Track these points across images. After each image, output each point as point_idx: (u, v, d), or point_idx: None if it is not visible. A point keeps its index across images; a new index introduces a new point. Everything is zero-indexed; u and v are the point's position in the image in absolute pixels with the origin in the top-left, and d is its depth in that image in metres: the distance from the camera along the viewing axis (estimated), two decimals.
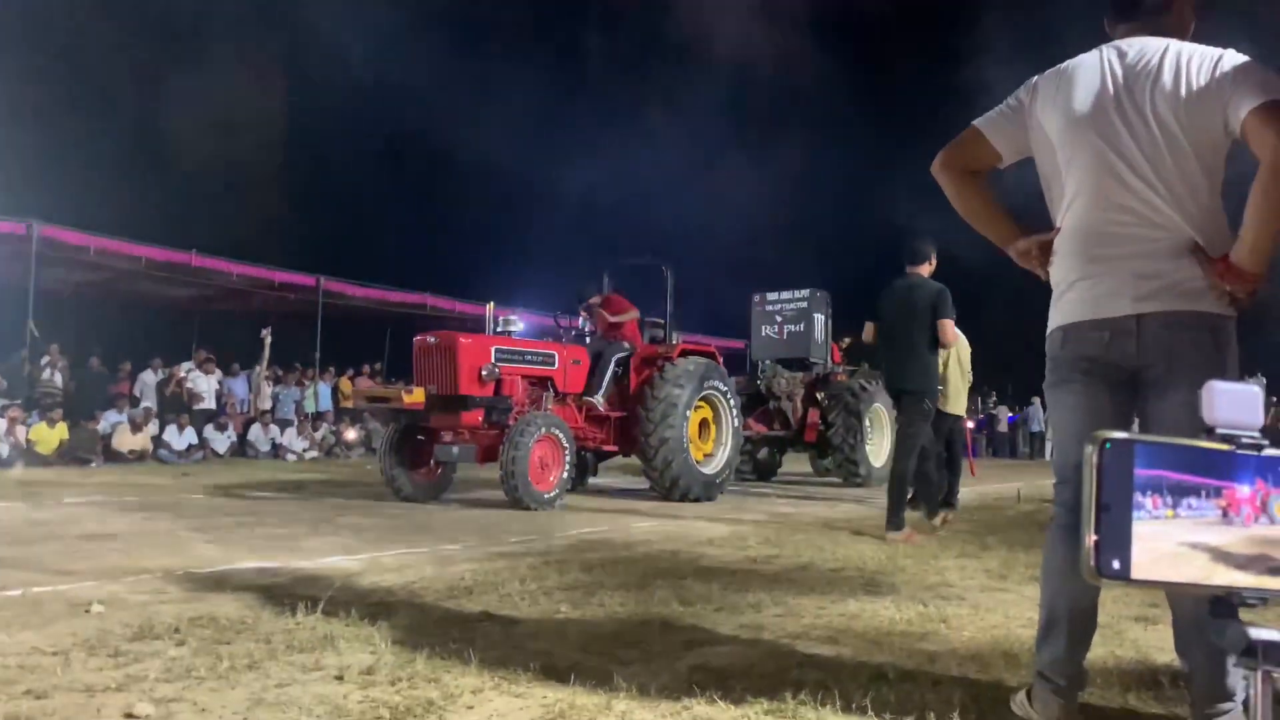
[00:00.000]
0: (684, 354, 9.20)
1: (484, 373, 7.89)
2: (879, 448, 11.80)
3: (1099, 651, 2.86)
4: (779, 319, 12.44)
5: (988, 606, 3.81)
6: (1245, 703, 2.08)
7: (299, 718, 2.26)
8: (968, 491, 9.53)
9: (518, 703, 2.41)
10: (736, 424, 9.47)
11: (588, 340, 9.36)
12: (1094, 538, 0.59)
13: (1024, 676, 2.59)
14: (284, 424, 16.08)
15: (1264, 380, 21.03)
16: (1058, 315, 2.29)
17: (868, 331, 7.06)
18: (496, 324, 8.74)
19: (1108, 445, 0.60)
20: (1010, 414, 26.93)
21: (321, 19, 26.39)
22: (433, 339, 8.10)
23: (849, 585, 4.27)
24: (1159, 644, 3.10)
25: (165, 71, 25.91)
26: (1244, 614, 0.63)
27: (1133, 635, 3.28)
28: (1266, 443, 0.62)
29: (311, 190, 29.87)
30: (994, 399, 26.56)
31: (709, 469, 9.07)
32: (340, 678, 2.60)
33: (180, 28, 27.93)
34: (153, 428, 14.17)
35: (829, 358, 12.44)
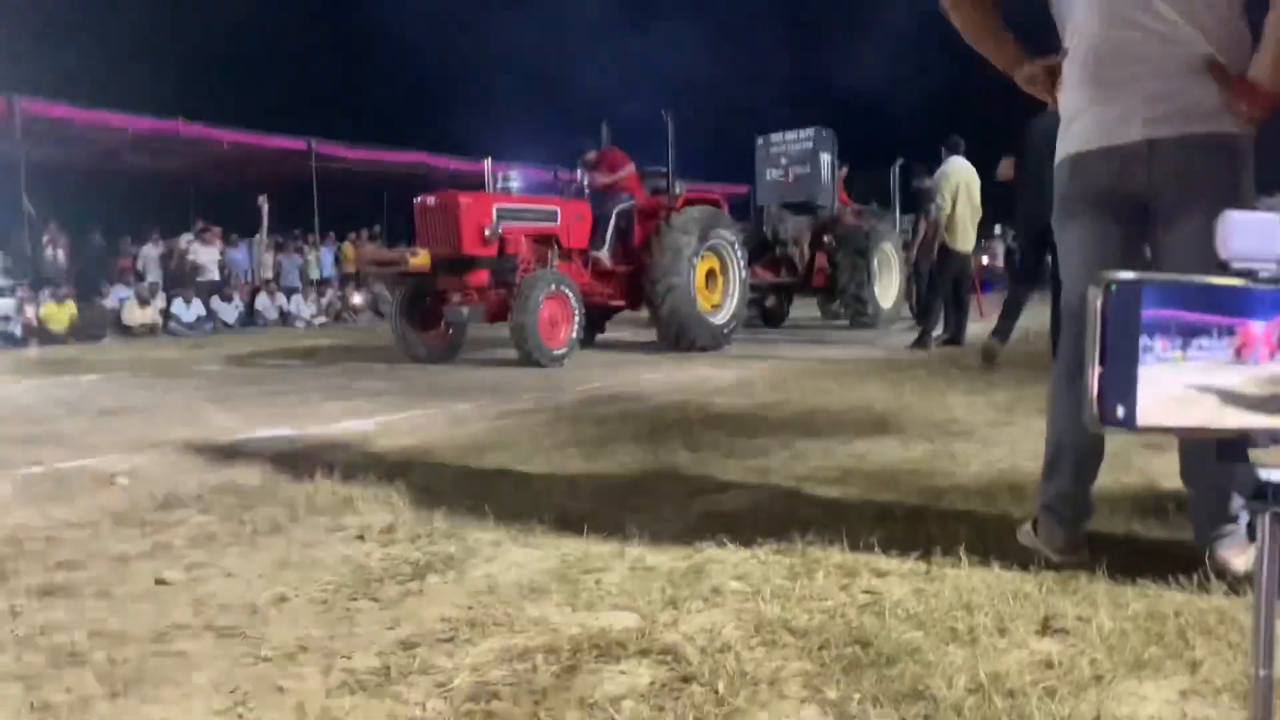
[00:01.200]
0: (688, 204, 9.07)
1: (487, 232, 7.81)
2: (887, 288, 11.78)
3: (1105, 480, 2.89)
4: (784, 161, 12.13)
5: (994, 441, 3.86)
6: (1249, 526, 2.12)
7: (323, 576, 2.34)
8: (975, 328, 9.54)
9: (535, 554, 2.48)
10: (744, 274, 9.43)
11: (589, 194, 9.19)
12: (1097, 385, 0.56)
13: (1029, 509, 2.64)
14: (290, 291, 16.10)
15: None
16: (1066, 144, 2.20)
17: (1005, 167, 6.84)
18: (496, 181, 8.57)
19: (1113, 288, 0.56)
20: None
21: None
22: (433, 200, 7.97)
23: (856, 426, 4.33)
24: (1166, 471, 3.14)
25: None
26: (1253, 455, 0.61)
27: (1140, 463, 3.33)
28: None
29: (298, 52, 28.85)
30: (1011, 234, 26.02)
31: (717, 319, 9.07)
32: (361, 537, 2.67)
33: None
34: (160, 301, 14.21)
35: (836, 199, 12.20)
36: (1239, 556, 2.09)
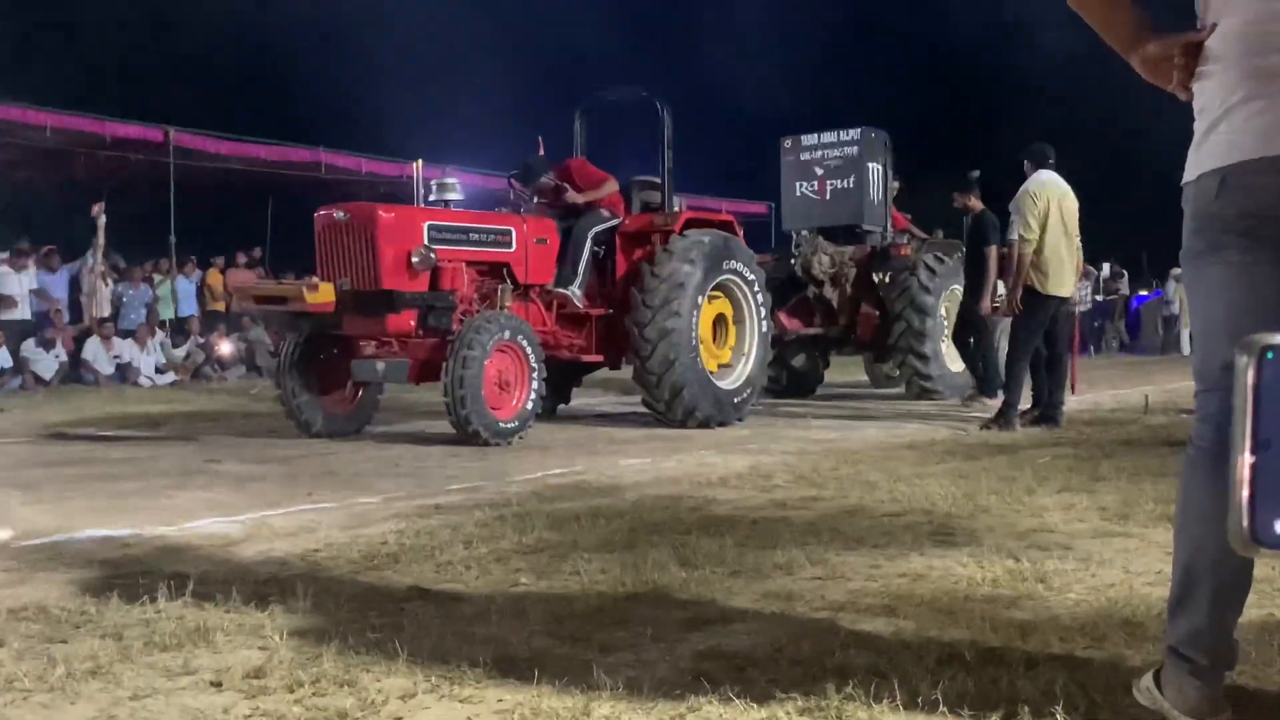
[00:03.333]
0: (690, 225, 9.08)
1: (415, 259, 7.83)
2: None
3: (1254, 614, 2.90)
4: (819, 171, 12.13)
5: (1102, 558, 3.85)
6: None
7: None
8: (1075, 400, 9.68)
9: (463, 710, 2.44)
10: (764, 323, 9.44)
11: (544, 208, 9.22)
12: (1248, 490, 0.56)
13: (1151, 653, 2.62)
14: (131, 335, 15.98)
15: None
16: (1209, 153, 2.22)
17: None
18: (428, 191, 8.57)
19: (1270, 354, 0.56)
20: (1142, 293, 26.81)
21: None
22: (341, 214, 8.00)
23: (912, 535, 4.33)
24: None
25: None
26: None
27: None
28: None
29: (155, 15, 28.84)
30: (1117, 272, 26.32)
31: (726, 383, 9.05)
32: (218, 683, 2.62)
33: None
34: None
35: (889, 223, 12.21)
36: None
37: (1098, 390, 11.97)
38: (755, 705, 2.40)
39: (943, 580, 3.58)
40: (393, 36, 32.69)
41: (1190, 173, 2.26)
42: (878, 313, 11.57)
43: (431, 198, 8.54)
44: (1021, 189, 8.50)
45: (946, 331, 11.47)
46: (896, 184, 12.55)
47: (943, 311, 11.42)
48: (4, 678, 2.67)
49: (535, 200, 9.35)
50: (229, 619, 3.13)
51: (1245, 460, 0.54)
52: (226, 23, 29.07)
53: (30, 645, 2.93)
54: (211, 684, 2.62)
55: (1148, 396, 10.45)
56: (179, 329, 16.84)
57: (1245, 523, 0.54)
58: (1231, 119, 2.17)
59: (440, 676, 2.63)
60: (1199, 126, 2.25)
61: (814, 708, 2.38)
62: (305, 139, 18.98)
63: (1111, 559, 3.84)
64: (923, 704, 2.38)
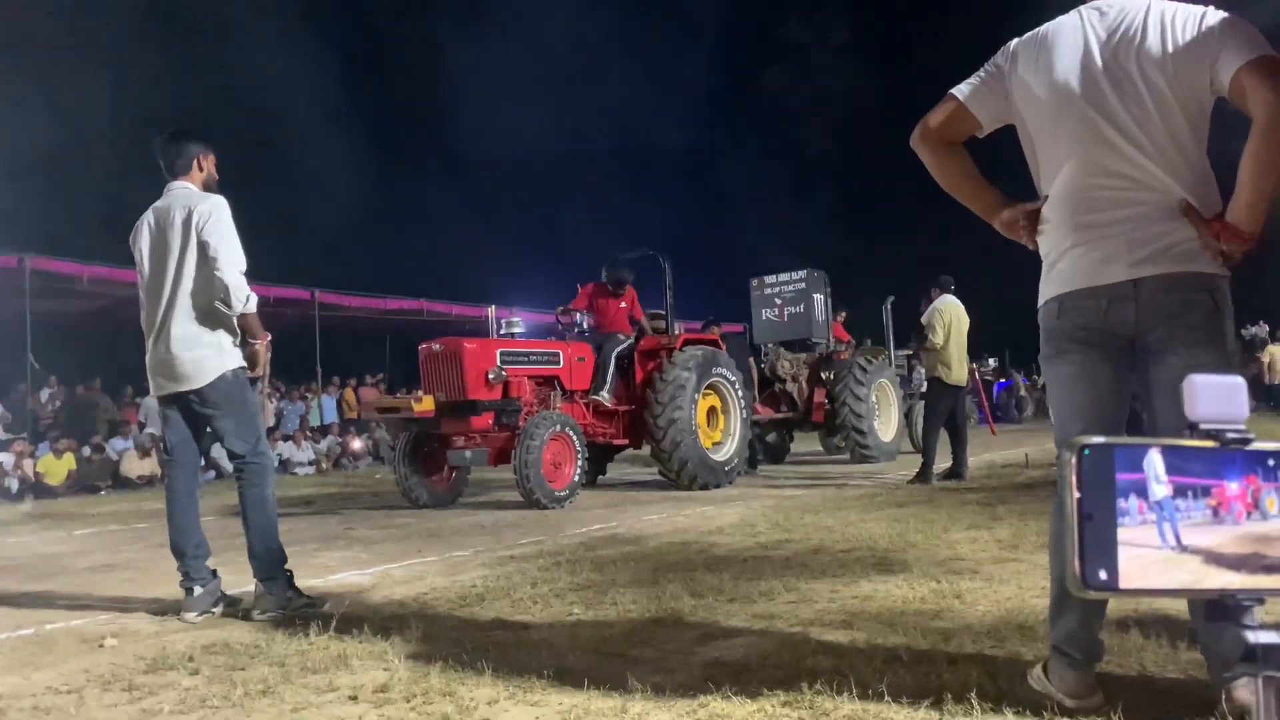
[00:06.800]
0: (688, 343, 9.23)
1: (491, 376, 7.90)
2: (886, 423, 11.81)
3: (1115, 617, 2.86)
4: (779, 301, 12.37)
5: (1000, 578, 3.80)
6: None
7: None
8: (976, 460, 9.53)
9: (533, 711, 2.41)
10: (745, 412, 9.46)
11: (588, 335, 9.34)
12: (1078, 550, 0.57)
13: (1040, 650, 2.59)
14: (289, 438, 16.08)
15: (1265, 326, 20.87)
16: (1051, 285, 2.25)
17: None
18: (499, 326, 8.72)
19: (1086, 451, 0.57)
20: (1002, 380, 26.64)
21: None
22: (438, 346, 8.11)
23: (860, 566, 4.27)
24: (1176, 604, 3.08)
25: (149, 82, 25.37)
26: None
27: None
28: (1252, 436, 0.60)
29: (298, 204, 29.37)
30: (994, 363, 26.16)
31: (718, 456, 9.06)
32: (355, 698, 2.60)
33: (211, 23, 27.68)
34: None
35: (830, 336, 12.39)
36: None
37: (991, 451, 11.89)
38: (749, 700, 2.37)
39: (885, 600, 3.53)
40: (471, 217, 33.55)
41: (1041, 299, 2.30)
42: (826, 401, 11.61)
43: (502, 332, 8.68)
44: (931, 307, 8.63)
45: (877, 411, 11.57)
46: (844, 313, 12.77)
47: (873, 398, 11.47)
48: (199, 697, 2.66)
49: (576, 330, 9.47)
50: (362, 648, 3.11)
51: (1074, 529, 0.55)
52: (360, 214, 29.52)
53: (218, 673, 2.92)
54: (350, 698, 2.61)
55: (1027, 455, 10.35)
56: (324, 432, 16.90)
57: (1076, 572, 0.55)
58: (1064, 261, 2.21)
59: (516, 686, 2.61)
60: (1045, 266, 2.29)
61: (793, 700, 2.35)
62: (411, 293, 19.38)
63: (1008, 579, 3.79)
64: (873, 694, 2.35)
